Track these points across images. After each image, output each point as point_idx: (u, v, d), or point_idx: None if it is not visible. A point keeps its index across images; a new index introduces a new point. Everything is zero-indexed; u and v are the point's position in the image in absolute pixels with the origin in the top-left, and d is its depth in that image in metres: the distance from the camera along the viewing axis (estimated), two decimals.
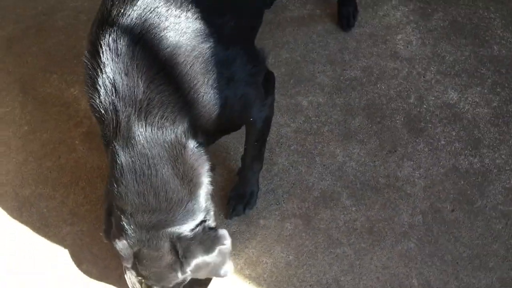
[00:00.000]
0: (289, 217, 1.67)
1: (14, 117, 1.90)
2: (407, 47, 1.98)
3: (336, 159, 1.77)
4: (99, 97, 1.23)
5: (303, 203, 1.69)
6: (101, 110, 1.24)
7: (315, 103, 1.88)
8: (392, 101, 1.87)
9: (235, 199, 1.67)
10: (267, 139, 1.61)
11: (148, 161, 1.23)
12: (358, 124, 1.83)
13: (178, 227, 1.26)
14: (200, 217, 1.30)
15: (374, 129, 1.82)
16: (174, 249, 1.26)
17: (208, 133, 1.34)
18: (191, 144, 1.28)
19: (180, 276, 1.30)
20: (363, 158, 1.76)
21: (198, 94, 1.27)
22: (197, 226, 1.29)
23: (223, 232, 1.32)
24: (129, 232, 1.25)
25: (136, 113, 1.22)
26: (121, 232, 1.26)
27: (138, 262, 1.28)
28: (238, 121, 1.45)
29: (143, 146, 1.23)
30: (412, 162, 1.74)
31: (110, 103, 1.22)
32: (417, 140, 1.78)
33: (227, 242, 1.32)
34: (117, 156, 1.24)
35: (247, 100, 1.40)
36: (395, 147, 1.78)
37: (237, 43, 1.36)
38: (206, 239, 1.29)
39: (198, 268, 1.30)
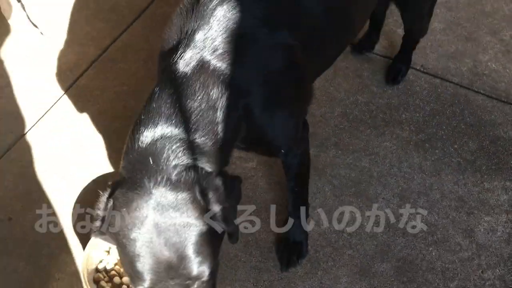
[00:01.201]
0: None
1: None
2: (488, 233, 1.74)
3: (335, 286, 1.63)
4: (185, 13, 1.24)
5: None
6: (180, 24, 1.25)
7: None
8: (431, 272, 1.66)
9: (284, 250, 1.64)
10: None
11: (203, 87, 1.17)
12: (382, 270, 1.66)
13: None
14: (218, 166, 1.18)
15: (394, 285, 1.63)
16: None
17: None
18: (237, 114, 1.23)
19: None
20: None
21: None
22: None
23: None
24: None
25: (208, 48, 1.19)
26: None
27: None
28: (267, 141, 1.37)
29: (201, 72, 1.17)
30: None
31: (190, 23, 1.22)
32: None
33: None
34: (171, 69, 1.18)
35: (285, 130, 1.36)
36: None
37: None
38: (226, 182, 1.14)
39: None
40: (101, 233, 1.14)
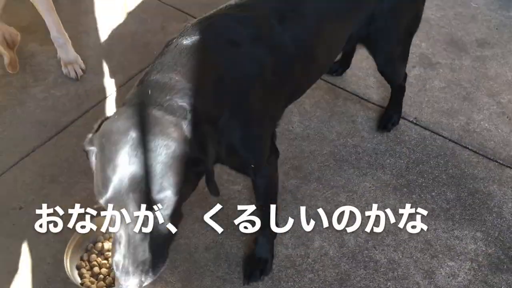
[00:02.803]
0: None
1: None
2: (449, 277, 1.80)
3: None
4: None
5: None
6: None
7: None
8: None
9: (249, 264, 1.78)
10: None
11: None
12: None
13: None
14: None
15: None
16: None
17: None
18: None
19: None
20: None
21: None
22: None
23: None
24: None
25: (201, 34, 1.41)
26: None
27: None
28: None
29: None
30: None
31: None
32: None
33: None
34: None
35: (254, 143, 1.48)
36: None
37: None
38: None
39: None
40: (90, 142, 1.21)
